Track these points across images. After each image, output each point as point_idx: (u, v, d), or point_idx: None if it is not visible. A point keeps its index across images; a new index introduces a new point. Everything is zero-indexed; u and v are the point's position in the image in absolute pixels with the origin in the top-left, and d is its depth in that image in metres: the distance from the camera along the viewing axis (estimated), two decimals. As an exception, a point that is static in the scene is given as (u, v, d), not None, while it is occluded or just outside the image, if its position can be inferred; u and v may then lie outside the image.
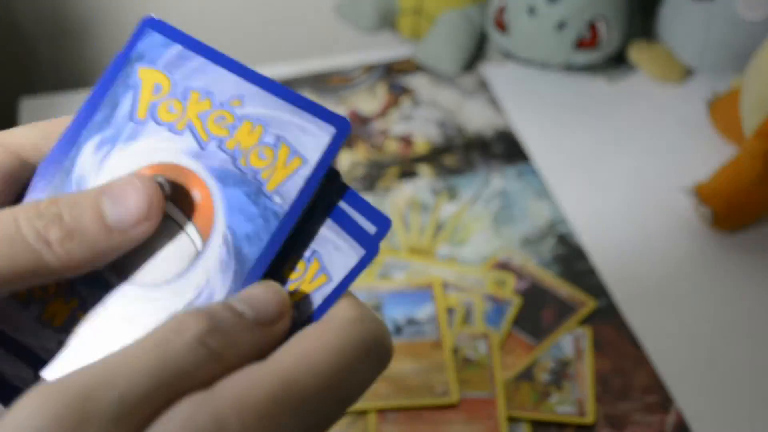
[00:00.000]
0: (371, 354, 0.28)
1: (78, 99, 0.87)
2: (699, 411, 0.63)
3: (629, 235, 0.75)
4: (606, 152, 0.82)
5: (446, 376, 0.64)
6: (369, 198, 0.78)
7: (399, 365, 0.64)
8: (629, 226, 0.75)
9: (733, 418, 0.62)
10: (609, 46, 0.86)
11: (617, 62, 0.90)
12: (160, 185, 0.30)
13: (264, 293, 0.29)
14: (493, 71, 0.90)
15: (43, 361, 0.30)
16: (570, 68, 0.88)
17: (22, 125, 0.32)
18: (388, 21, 0.93)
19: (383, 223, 0.30)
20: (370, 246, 0.30)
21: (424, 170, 0.80)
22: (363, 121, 0.85)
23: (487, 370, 0.64)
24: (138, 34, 0.32)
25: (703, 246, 0.73)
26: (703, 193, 0.72)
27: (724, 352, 0.66)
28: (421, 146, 0.82)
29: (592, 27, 0.84)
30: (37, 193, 0.31)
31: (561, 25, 0.84)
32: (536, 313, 0.68)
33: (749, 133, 0.74)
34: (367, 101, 0.87)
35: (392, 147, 0.82)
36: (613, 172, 0.80)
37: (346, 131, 0.30)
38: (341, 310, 0.29)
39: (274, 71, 0.90)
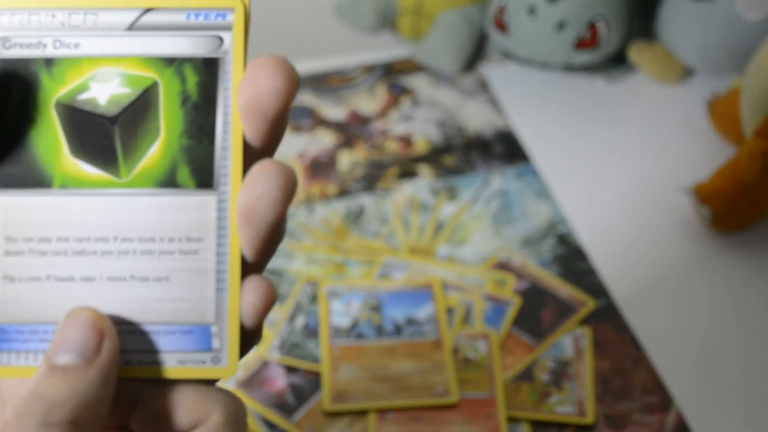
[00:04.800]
0: None
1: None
2: (699, 411, 0.63)
3: (629, 235, 0.75)
4: (606, 152, 0.82)
5: (446, 376, 0.64)
6: (369, 198, 0.78)
7: (399, 365, 0.64)
8: (629, 226, 0.75)
9: (733, 418, 0.62)
10: (609, 46, 0.86)
11: (617, 62, 0.90)
12: None
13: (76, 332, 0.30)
14: (493, 71, 0.90)
15: None
16: (570, 68, 0.88)
17: None
18: (387, 21, 0.93)
19: None
20: None
21: (424, 170, 0.80)
22: (363, 121, 0.85)
23: (487, 370, 0.64)
24: None
25: (703, 246, 0.73)
26: (702, 194, 0.72)
27: (724, 352, 0.66)
28: (421, 146, 0.82)
29: (592, 27, 0.84)
30: None
31: (561, 25, 0.84)
32: (536, 313, 0.68)
33: (749, 133, 0.74)
34: (367, 101, 0.87)
35: (392, 147, 0.82)
36: (613, 171, 0.80)
37: None
38: (211, 412, 0.31)
39: (274, 71, 0.90)
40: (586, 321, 0.68)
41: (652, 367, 0.65)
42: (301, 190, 0.78)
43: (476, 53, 0.91)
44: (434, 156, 0.82)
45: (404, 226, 0.75)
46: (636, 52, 0.88)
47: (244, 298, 0.31)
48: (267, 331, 0.67)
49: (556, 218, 0.76)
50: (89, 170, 0.30)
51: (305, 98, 0.87)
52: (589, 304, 0.69)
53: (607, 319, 0.68)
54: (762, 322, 0.68)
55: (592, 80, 0.89)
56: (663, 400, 0.63)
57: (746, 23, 0.81)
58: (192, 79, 0.30)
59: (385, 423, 0.62)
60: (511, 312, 0.68)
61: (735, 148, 0.80)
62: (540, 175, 0.79)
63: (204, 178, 0.30)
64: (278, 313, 0.68)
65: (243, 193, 0.30)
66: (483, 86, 0.88)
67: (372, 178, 0.79)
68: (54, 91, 0.30)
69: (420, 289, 0.69)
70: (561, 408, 0.62)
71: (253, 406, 0.63)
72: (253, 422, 0.62)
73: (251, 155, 0.31)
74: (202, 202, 0.30)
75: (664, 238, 0.74)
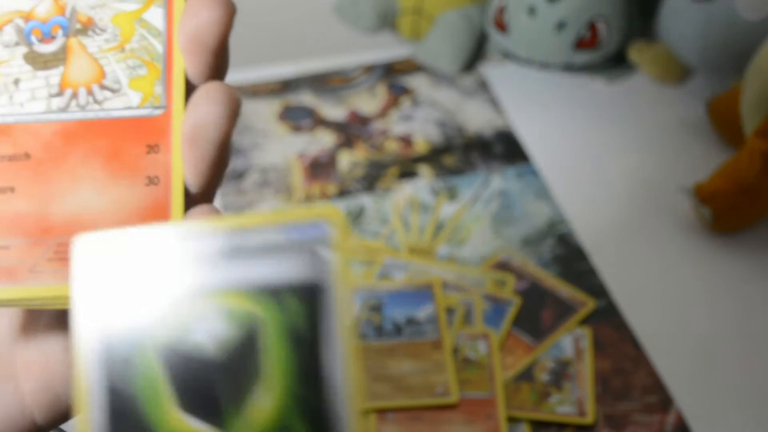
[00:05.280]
0: None
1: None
2: (699, 411, 0.63)
3: (629, 235, 0.75)
4: (606, 152, 0.82)
5: (446, 376, 0.64)
6: (369, 198, 0.78)
7: (399, 365, 0.64)
8: (629, 226, 0.75)
9: (733, 418, 0.62)
10: (609, 46, 0.86)
11: (617, 62, 0.90)
12: None
13: None
14: (493, 71, 0.90)
15: None
16: (570, 68, 0.88)
17: None
18: (387, 21, 0.93)
19: None
20: None
21: (424, 170, 0.80)
22: (363, 121, 0.85)
23: (487, 370, 0.64)
24: None
25: (703, 246, 0.73)
26: (702, 194, 0.72)
27: (724, 352, 0.66)
28: (421, 146, 0.82)
29: (592, 27, 0.84)
30: None
31: (561, 25, 0.84)
32: (536, 313, 0.68)
33: (749, 133, 0.74)
34: (367, 101, 0.87)
35: (392, 147, 0.82)
36: (613, 171, 0.80)
37: None
38: None
39: (274, 71, 0.90)
40: (586, 321, 0.68)
41: (652, 367, 0.65)
42: (301, 190, 0.78)
43: (476, 53, 0.91)
44: (434, 156, 0.82)
45: (404, 226, 0.75)
46: (636, 52, 0.88)
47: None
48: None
49: (556, 218, 0.76)
50: (195, 425, 0.26)
51: (305, 98, 0.87)
52: (589, 304, 0.69)
53: (607, 319, 0.68)
54: (762, 322, 0.68)
55: (592, 80, 0.89)
56: (663, 400, 0.63)
57: (746, 23, 0.81)
58: (295, 309, 0.26)
59: (385, 423, 0.62)
60: (511, 312, 0.68)
61: (735, 148, 0.80)
62: (540, 175, 0.79)
63: (317, 424, 0.26)
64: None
65: (187, 115, 0.31)
66: (483, 86, 0.88)
67: (372, 178, 0.79)
68: (157, 337, 0.27)
69: (420, 289, 0.69)
70: (561, 408, 0.62)
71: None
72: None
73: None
74: None
75: (664, 238, 0.74)
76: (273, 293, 0.26)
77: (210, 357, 0.26)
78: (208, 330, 0.26)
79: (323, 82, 0.89)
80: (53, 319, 0.33)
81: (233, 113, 0.31)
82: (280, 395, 0.26)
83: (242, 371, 0.26)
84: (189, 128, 0.31)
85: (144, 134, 0.32)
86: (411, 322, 0.67)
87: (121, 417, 0.26)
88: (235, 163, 0.81)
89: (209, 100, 0.31)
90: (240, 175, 0.80)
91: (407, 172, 0.80)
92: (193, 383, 0.26)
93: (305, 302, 0.26)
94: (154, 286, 0.27)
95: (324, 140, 0.83)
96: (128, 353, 0.26)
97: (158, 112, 0.32)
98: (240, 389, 0.26)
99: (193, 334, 0.26)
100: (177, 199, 0.31)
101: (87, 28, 0.33)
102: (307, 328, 0.26)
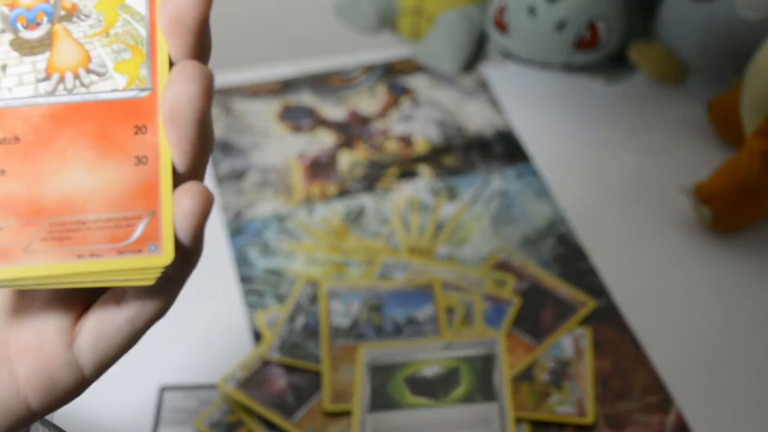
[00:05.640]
0: None
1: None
2: (699, 411, 0.63)
3: (629, 236, 0.75)
4: (606, 152, 0.82)
5: (446, 376, 0.64)
6: (369, 198, 0.78)
7: (399, 365, 0.64)
8: (629, 227, 0.75)
9: (733, 418, 0.62)
10: (609, 46, 0.86)
11: (617, 62, 0.90)
12: None
13: None
14: (493, 71, 0.90)
15: None
16: (570, 68, 0.88)
17: None
18: (387, 21, 0.93)
19: None
20: None
21: (424, 170, 0.80)
22: (363, 121, 0.85)
23: (487, 370, 0.65)
24: None
25: (702, 246, 0.73)
26: (702, 194, 0.72)
27: (724, 352, 0.66)
28: (421, 146, 0.82)
29: (592, 27, 0.84)
30: None
31: (561, 25, 0.84)
32: (536, 313, 0.68)
33: (749, 133, 0.74)
34: (367, 101, 0.87)
35: (392, 147, 0.82)
36: (612, 172, 0.80)
37: None
38: None
39: (274, 71, 0.90)
40: (586, 321, 0.68)
41: (652, 367, 0.65)
42: (301, 190, 0.78)
43: (476, 53, 0.91)
44: (434, 156, 0.81)
45: (404, 226, 0.75)
46: (636, 52, 0.88)
47: (179, 204, 0.31)
48: (267, 331, 0.67)
49: (556, 218, 0.76)
50: (420, 398, 0.58)
51: (305, 98, 0.87)
52: (589, 304, 0.69)
53: (607, 319, 0.68)
54: (762, 322, 0.68)
55: (592, 80, 0.89)
56: (663, 400, 0.63)
57: (746, 23, 0.81)
58: (479, 365, 0.58)
59: (385, 423, 0.62)
60: (510, 312, 0.68)
61: (735, 148, 0.80)
62: (540, 175, 0.79)
63: (487, 392, 0.57)
64: (278, 313, 0.68)
65: (165, 96, 0.31)
66: (483, 86, 0.88)
67: (372, 178, 0.79)
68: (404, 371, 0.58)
69: (420, 289, 0.69)
70: (561, 408, 0.62)
71: (253, 406, 0.63)
72: (253, 422, 0.62)
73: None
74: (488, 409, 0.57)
75: (664, 238, 0.74)
76: (469, 358, 0.56)
77: (431, 379, 0.56)
78: (431, 371, 0.56)
79: (323, 82, 0.89)
80: (47, 301, 0.33)
81: (207, 90, 0.31)
82: (468, 388, 0.56)
83: (448, 384, 0.57)
84: (167, 108, 0.31)
85: (131, 116, 0.32)
86: (411, 322, 0.67)
87: (378, 400, 0.53)
88: (235, 163, 0.81)
89: (183, 78, 0.31)
90: (240, 175, 0.80)
91: (407, 172, 0.80)
92: (421, 386, 0.56)
93: (484, 362, 0.56)
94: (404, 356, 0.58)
95: (324, 140, 0.83)
96: (386, 378, 0.54)
97: (144, 93, 0.32)
98: (446, 388, 0.57)
99: (423, 372, 0.56)
100: (166, 178, 0.32)
101: (71, 14, 0.33)
102: (484, 371, 0.57)
